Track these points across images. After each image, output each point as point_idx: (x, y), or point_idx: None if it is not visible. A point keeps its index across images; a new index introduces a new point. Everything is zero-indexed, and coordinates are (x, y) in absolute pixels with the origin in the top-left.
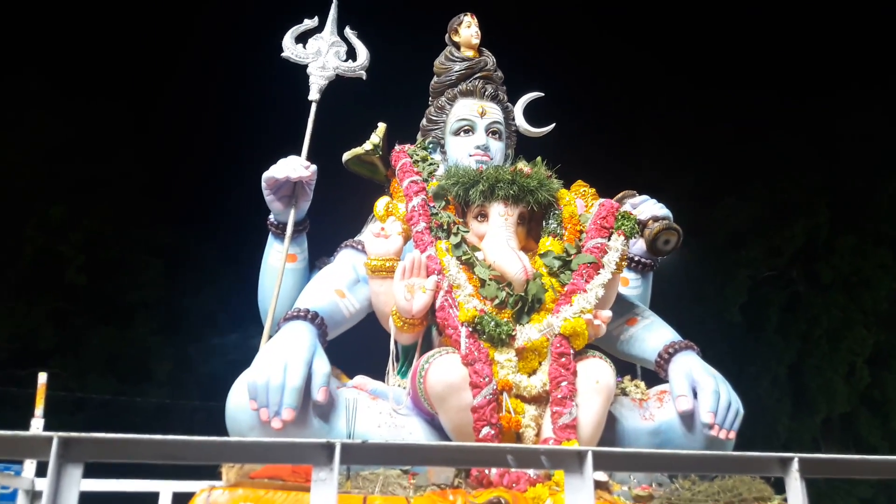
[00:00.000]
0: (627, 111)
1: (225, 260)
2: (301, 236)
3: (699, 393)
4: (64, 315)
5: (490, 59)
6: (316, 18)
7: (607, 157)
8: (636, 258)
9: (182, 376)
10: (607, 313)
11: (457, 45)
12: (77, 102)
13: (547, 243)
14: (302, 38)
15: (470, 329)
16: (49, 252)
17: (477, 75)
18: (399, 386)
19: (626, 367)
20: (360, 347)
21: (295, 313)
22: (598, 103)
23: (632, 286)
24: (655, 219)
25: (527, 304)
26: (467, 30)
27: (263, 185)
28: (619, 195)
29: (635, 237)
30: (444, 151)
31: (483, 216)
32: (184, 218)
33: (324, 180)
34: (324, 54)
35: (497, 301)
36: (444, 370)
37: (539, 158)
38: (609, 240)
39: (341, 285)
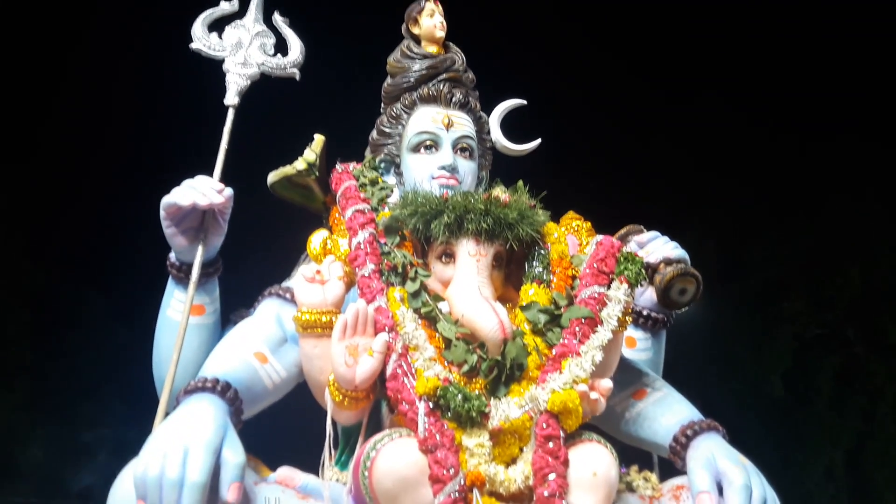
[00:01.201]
0: (634, 125)
1: (116, 312)
2: (211, 282)
3: (725, 488)
4: None
5: (458, 56)
6: (236, 1)
7: (608, 183)
8: (645, 312)
9: (56, 468)
10: (607, 383)
11: (416, 39)
12: None
13: (530, 292)
14: (218, 26)
15: (430, 405)
16: None
17: (442, 77)
18: (338, 480)
19: (635, 454)
20: (287, 429)
21: (199, 384)
22: (596, 115)
23: (640, 348)
24: (668, 262)
25: (504, 372)
26: (429, 19)
27: (162, 214)
28: (623, 231)
29: (642, 285)
30: (399, 172)
31: (449, 256)
32: (61, 255)
33: (244, 208)
34: (245, 47)
35: (466, 367)
36: (396, 459)
37: (521, 183)
38: (609, 288)
39: (262, 346)
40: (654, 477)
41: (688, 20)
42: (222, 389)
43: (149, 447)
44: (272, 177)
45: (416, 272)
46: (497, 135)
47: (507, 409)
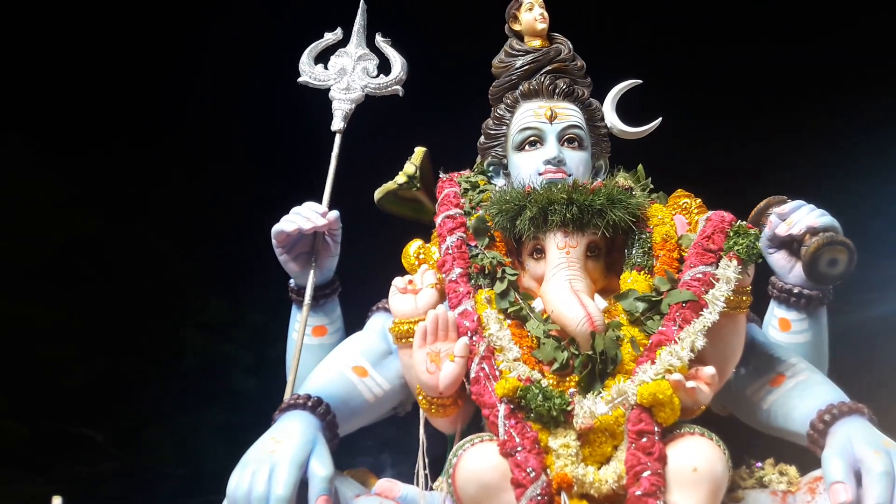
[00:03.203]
0: (777, 87)
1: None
2: (331, 302)
3: (864, 476)
4: (234, 429)
5: (564, 45)
6: (339, 31)
7: (748, 155)
8: (796, 290)
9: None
10: (709, 370)
11: (519, 36)
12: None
13: (629, 280)
14: (324, 57)
15: (511, 406)
16: (212, 354)
17: (546, 69)
18: (439, 489)
19: (794, 451)
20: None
21: (291, 402)
22: (730, 84)
23: (795, 330)
24: (813, 232)
25: (597, 367)
26: (528, 13)
27: (274, 242)
28: (762, 204)
29: (757, 260)
30: (508, 173)
31: (540, 252)
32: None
33: (367, 229)
34: (349, 73)
35: (556, 365)
36: (476, 465)
37: (640, 167)
38: (716, 267)
39: (362, 360)
40: (792, 470)
41: None
42: (313, 405)
43: (239, 466)
44: (377, 194)
45: (503, 272)
46: (612, 119)
47: (592, 405)
